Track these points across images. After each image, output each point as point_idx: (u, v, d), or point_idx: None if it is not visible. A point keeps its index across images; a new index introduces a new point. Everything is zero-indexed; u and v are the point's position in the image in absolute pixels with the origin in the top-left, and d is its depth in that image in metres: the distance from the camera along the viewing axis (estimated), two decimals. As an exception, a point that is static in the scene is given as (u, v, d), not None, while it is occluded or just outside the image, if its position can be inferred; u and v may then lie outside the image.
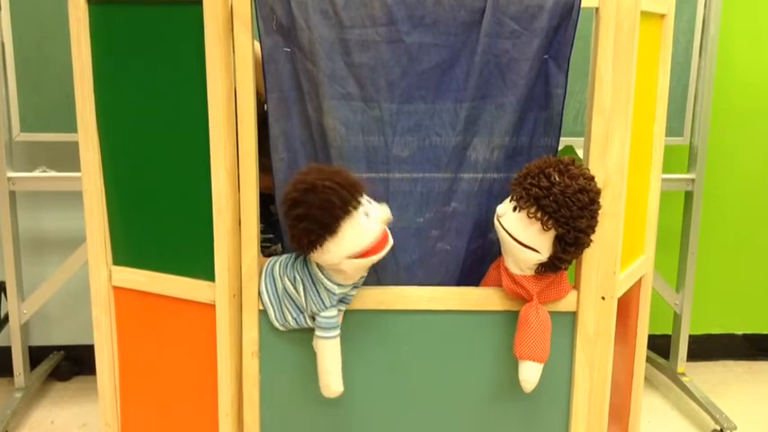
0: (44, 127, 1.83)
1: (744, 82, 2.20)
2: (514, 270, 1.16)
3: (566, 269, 1.16)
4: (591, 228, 1.12)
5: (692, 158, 2.05)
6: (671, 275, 2.17)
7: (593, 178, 1.12)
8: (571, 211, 1.07)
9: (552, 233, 1.10)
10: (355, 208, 1.07)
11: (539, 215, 1.08)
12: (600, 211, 1.13)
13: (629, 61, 1.15)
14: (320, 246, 1.07)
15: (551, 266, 1.14)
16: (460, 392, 1.23)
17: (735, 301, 2.37)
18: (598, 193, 1.12)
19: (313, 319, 1.16)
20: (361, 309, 1.19)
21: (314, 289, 1.14)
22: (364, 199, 1.10)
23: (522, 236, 1.11)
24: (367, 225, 1.08)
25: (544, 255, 1.12)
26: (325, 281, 1.13)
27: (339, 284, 1.13)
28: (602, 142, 1.16)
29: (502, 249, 1.17)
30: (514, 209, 1.12)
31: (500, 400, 1.24)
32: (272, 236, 1.38)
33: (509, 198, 1.15)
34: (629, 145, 1.18)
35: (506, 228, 1.13)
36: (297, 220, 1.07)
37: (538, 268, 1.14)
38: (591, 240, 1.13)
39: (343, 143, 1.17)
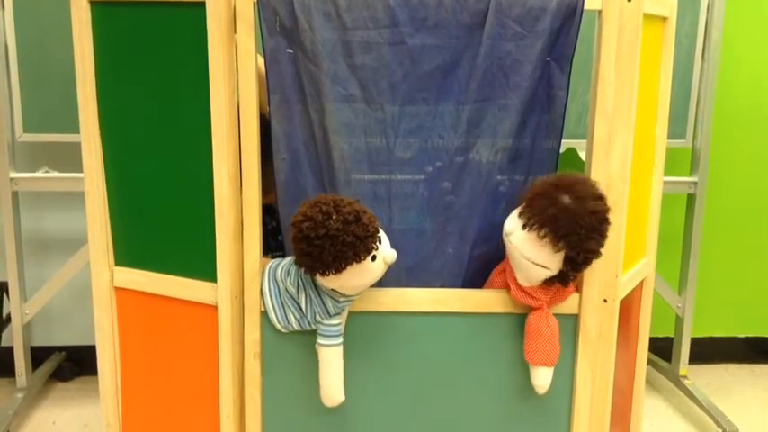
0: (47, 128, 1.83)
1: (746, 85, 2.20)
2: (524, 282, 1.15)
3: (574, 279, 1.15)
4: (601, 246, 1.10)
5: (694, 161, 2.05)
6: (673, 278, 2.16)
7: (602, 197, 1.10)
8: (579, 236, 1.06)
9: (563, 252, 1.09)
10: (365, 258, 1.06)
11: (549, 238, 1.07)
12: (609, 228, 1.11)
13: (632, 64, 1.15)
14: (320, 275, 1.07)
15: (561, 279, 1.14)
16: (462, 395, 1.23)
17: (737, 303, 2.37)
18: (608, 211, 1.10)
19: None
20: (361, 311, 1.19)
21: (318, 298, 1.14)
22: (377, 243, 1.08)
23: (533, 255, 1.10)
24: (370, 267, 1.08)
25: (554, 271, 1.12)
26: (329, 290, 1.12)
27: (343, 293, 1.13)
28: (605, 145, 1.16)
29: (511, 263, 1.16)
30: (524, 227, 1.10)
31: (502, 402, 1.23)
32: (280, 254, 1.35)
33: (516, 213, 1.13)
34: (631, 147, 1.18)
35: (517, 246, 1.12)
36: (305, 254, 1.04)
37: (547, 280, 1.14)
38: (600, 255, 1.11)
39: (345, 145, 1.17)
